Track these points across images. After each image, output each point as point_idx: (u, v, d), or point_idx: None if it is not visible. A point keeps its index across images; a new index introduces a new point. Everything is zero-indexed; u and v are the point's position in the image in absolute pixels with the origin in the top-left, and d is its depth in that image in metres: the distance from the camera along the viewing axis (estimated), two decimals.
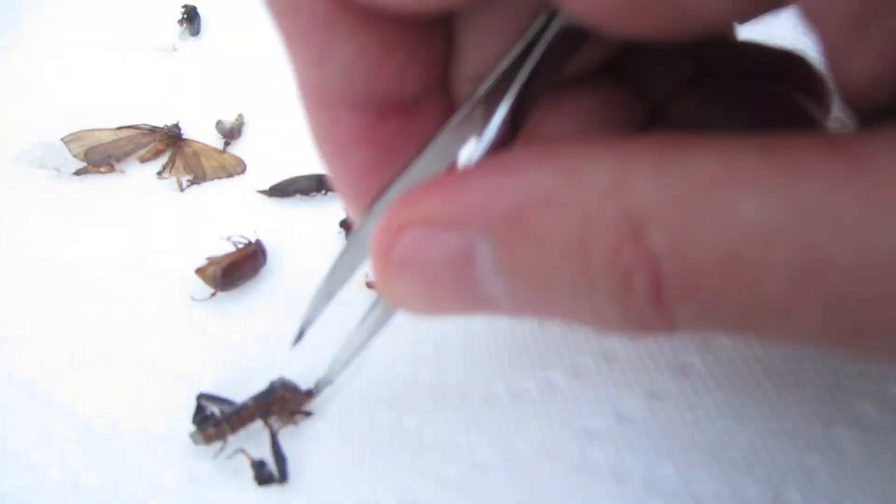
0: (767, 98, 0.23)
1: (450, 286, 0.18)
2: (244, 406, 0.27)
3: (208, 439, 0.27)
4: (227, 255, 0.34)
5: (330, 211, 0.38)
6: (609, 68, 0.23)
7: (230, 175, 0.41)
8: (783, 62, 0.24)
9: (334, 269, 0.26)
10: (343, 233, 0.37)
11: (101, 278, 0.35)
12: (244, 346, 0.32)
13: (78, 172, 0.42)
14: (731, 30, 0.26)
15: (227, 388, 0.30)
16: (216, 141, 0.44)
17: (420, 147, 0.20)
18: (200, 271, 0.34)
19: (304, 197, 0.39)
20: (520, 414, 0.27)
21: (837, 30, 0.14)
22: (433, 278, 0.18)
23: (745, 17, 0.18)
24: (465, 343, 0.30)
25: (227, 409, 0.27)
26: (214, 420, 0.27)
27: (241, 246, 0.35)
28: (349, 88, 0.19)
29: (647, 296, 0.14)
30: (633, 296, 0.15)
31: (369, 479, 0.26)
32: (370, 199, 0.23)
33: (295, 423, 0.27)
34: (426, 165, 0.20)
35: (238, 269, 0.34)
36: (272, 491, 0.26)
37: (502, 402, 0.28)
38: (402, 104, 0.20)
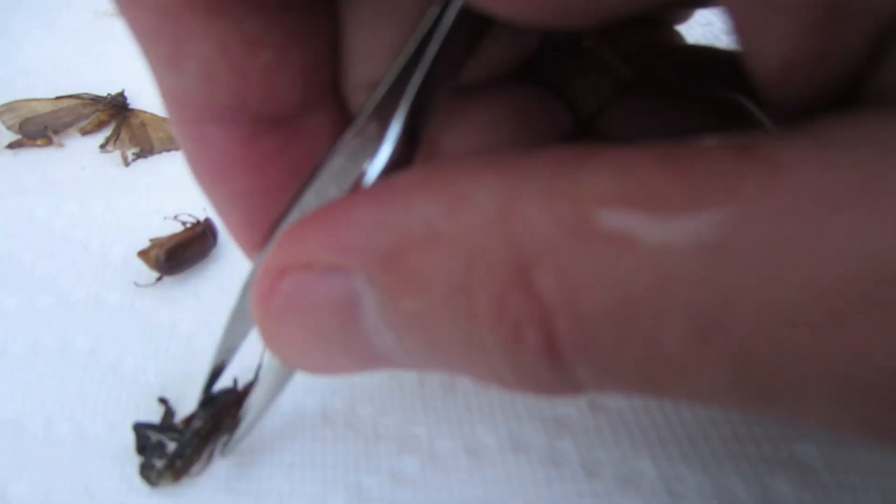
0: (710, 103, 0.20)
1: (336, 340, 0.15)
2: (196, 433, 0.25)
3: (175, 475, 0.24)
4: (173, 236, 0.31)
5: None
6: (529, 72, 0.20)
7: (179, 147, 0.38)
8: (729, 64, 0.21)
9: (232, 322, 0.23)
10: None
11: (26, 263, 0.32)
12: (191, 338, 0.29)
13: (11, 146, 0.38)
14: (671, 32, 0.23)
15: (171, 385, 0.27)
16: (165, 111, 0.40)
17: (310, 171, 0.18)
18: (143, 254, 0.31)
19: None
20: (483, 402, 0.25)
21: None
22: (317, 331, 0.15)
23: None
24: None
25: (172, 437, 0.25)
26: (167, 454, 0.24)
27: (188, 225, 0.32)
28: (212, 96, 0.16)
29: (541, 353, 0.12)
30: (524, 353, 0.12)
31: (320, 477, 0.24)
32: (261, 237, 0.20)
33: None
34: (320, 194, 0.17)
35: (185, 250, 0.31)
36: (218, 494, 0.24)
37: (464, 389, 0.25)
38: (281, 117, 0.18)
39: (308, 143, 0.18)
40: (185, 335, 0.29)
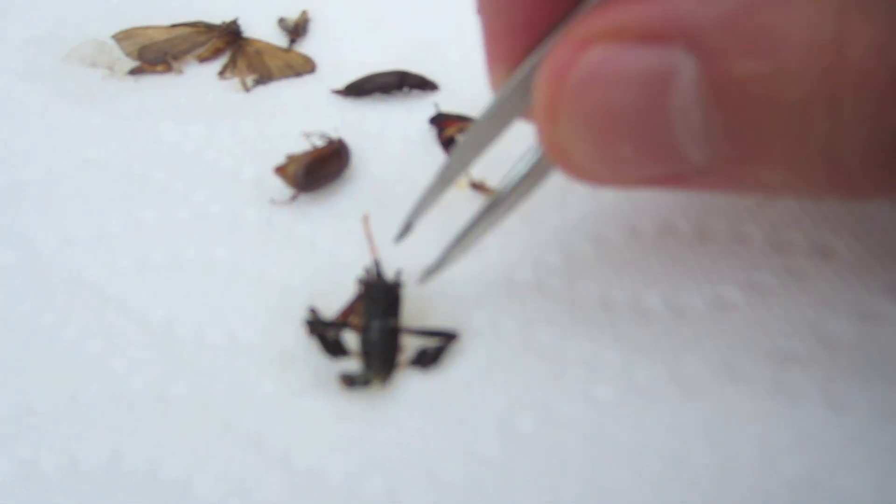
0: None
1: (635, 125, 0.14)
2: (383, 328, 0.24)
3: (384, 373, 0.24)
4: (309, 153, 0.31)
5: (414, 109, 0.35)
6: None
7: (298, 74, 0.37)
8: None
9: (462, 147, 0.23)
10: (435, 130, 0.33)
11: (160, 181, 0.32)
12: (334, 252, 0.28)
13: (133, 72, 0.38)
14: None
15: (319, 296, 0.26)
16: (279, 39, 0.40)
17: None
18: (280, 170, 0.30)
19: (384, 95, 0.35)
20: (686, 332, 0.23)
21: None
22: (616, 110, 0.14)
23: None
24: (602, 254, 0.26)
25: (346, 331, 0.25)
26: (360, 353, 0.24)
27: (323, 143, 0.31)
28: None
29: None
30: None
31: (503, 397, 0.23)
32: (514, 62, 0.19)
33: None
34: None
35: (322, 166, 0.30)
36: (400, 409, 0.23)
37: (661, 317, 0.24)
38: None
39: None
40: (327, 249, 0.28)
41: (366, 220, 0.29)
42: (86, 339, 0.25)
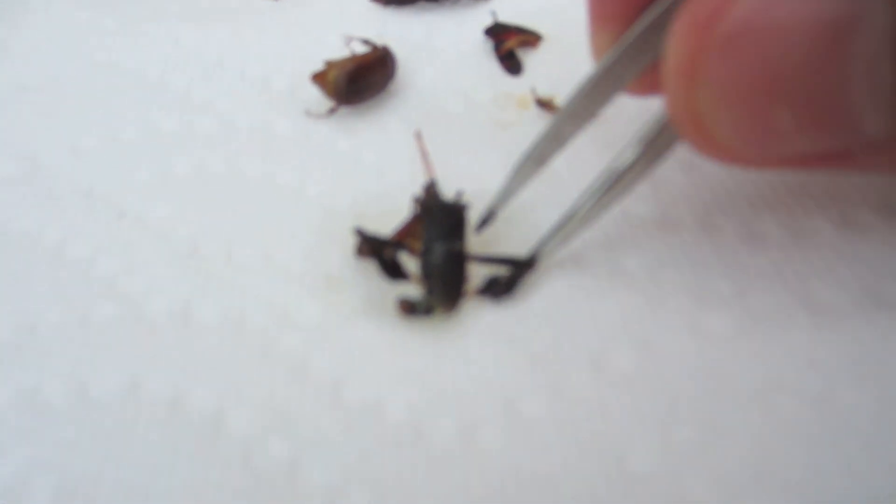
0: None
1: (800, 82, 0.12)
2: (448, 251, 0.21)
3: (451, 302, 0.20)
4: (353, 58, 0.27)
5: (464, 20, 0.31)
6: None
7: None
8: None
9: (555, 125, 0.20)
10: (491, 42, 0.29)
11: (180, 87, 0.28)
12: (381, 169, 0.25)
13: None
14: None
15: (367, 215, 0.23)
16: None
17: None
18: (319, 77, 0.26)
19: (429, 4, 0.31)
20: (813, 256, 0.20)
21: None
22: (777, 67, 0.12)
23: None
24: (697, 181, 0.23)
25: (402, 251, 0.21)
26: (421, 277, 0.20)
27: (367, 50, 0.28)
28: None
29: None
30: None
31: (594, 331, 0.19)
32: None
33: None
34: None
35: (366, 75, 0.26)
36: (449, 336, 0.19)
37: (778, 241, 0.20)
38: None
39: None
40: (373, 166, 0.25)
41: (419, 135, 0.25)
42: (98, 257, 0.22)
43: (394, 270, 0.20)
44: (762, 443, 0.16)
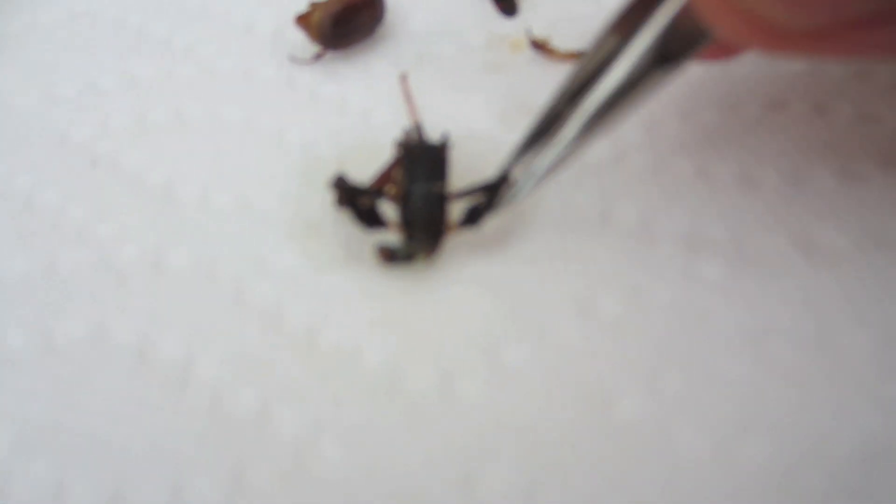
0: None
1: None
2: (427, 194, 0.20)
3: (431, 246, 0.19)
4: (337, 0, 0.25)
5: None
6: None
7: None
8: None
9: (576, 73, 0.17)
10: None
11: (161, 34, 0.27)
12: (367, 114, 0.23)
13: None
14: None
15: (350, 161, 0.22)
16: None
17: None
18: (303, 20, 0.25)
19: None
20: (811, 201, 0.19)
21: None
22: None
23: None
24: (694, 130, 0.22)
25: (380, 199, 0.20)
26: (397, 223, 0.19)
27: None
28: None
29: None
30: None
31: (581, 277, 0.18)
32: None
33: None
34: None
35: (353, 17, 0.25)
36: (429, 283, 0.18)
37: (776, 187, 0.19)
38: None
39: None
40: (358, 111, 0.24)
41: (404, 78, 0.24)
42: (68, 203, 0.21)
43: (370, 219, 0.19)
44: (754, 387, 0.15)
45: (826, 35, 0.12)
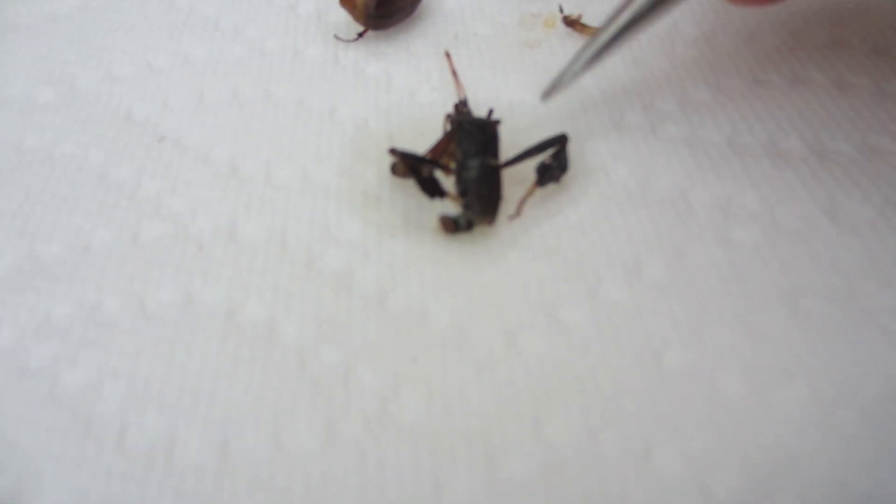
0: None
1: None
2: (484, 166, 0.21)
3: (490, 214, 0.21)
4: None
5: None
6: None
7: None
8: None
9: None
10: None
11: (210, 16, 0.28)
12: (413, 92, 0.25)
13: None
14: None
15: (399, 137, 0.24)
16: None
17: None
18: (347, 2, 0.26)
19: None
20: (837, 173, 0.20)
21: None
22: None
23: None
24: (723, 101, 0.24)
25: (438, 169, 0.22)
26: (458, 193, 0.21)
27: None
28: None
29: None
30: None
31: (627, 242, 0.20)
32: None
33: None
34: None
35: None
36: (487, 248, 0.20)
37: (804, 160, 0.21)
38: None
39: None
40: (404, 89, 0.25)
41: (448, 55, 0.26)
42: (141, 178, 0.23)
43: (432, 187, 0.21)
44: (789, 340, 0.17)
45: None
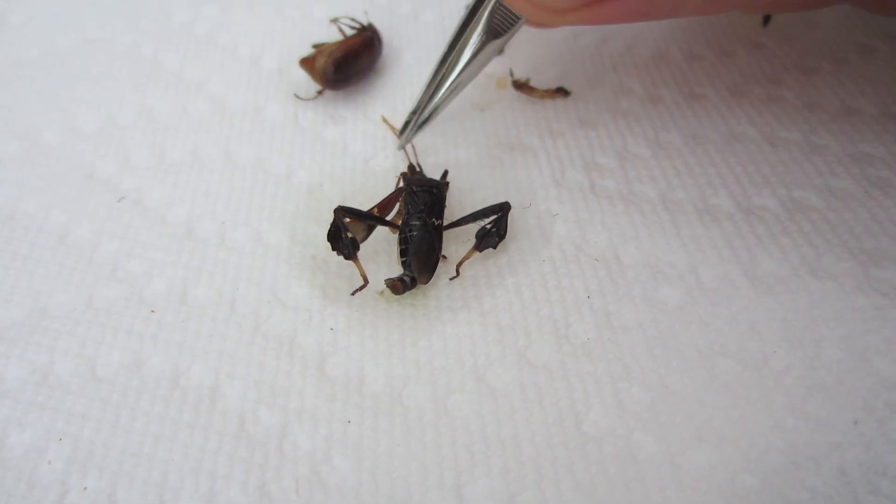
0: None
1: None
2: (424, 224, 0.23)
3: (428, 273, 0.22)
4: (340, 43, 0.28)
5: None
6: None
7: None
8: None
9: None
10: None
11: (173, 67, 0.29)
12: (368, 158, 0.26)
13: None
14: None
15: (352, 201, 0.24)
16: None
17: None
18: (306, 63, 0.28)
19: None
20: (760, 231, 0.21)
21: None
22: None
23: None
24: (661, 158, 0.25)
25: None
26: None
27: (354, 31, 0.29)
28: None
29: None
30: None
31: (559, 303, 0.21)
32: None
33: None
34: None
35: (354, 60, 0.28)
36: (424, 312, 0.21)
37: (731, 217, 0.22)
38: None
39: None
40: (359, 155, 0.26)
41: (385, 119, 0.27)
42: (100, 240, 0.24)
43: (347, 249, 0.21)
44: (703, 403, 0.18)
45: (581, 9, 0.19)
